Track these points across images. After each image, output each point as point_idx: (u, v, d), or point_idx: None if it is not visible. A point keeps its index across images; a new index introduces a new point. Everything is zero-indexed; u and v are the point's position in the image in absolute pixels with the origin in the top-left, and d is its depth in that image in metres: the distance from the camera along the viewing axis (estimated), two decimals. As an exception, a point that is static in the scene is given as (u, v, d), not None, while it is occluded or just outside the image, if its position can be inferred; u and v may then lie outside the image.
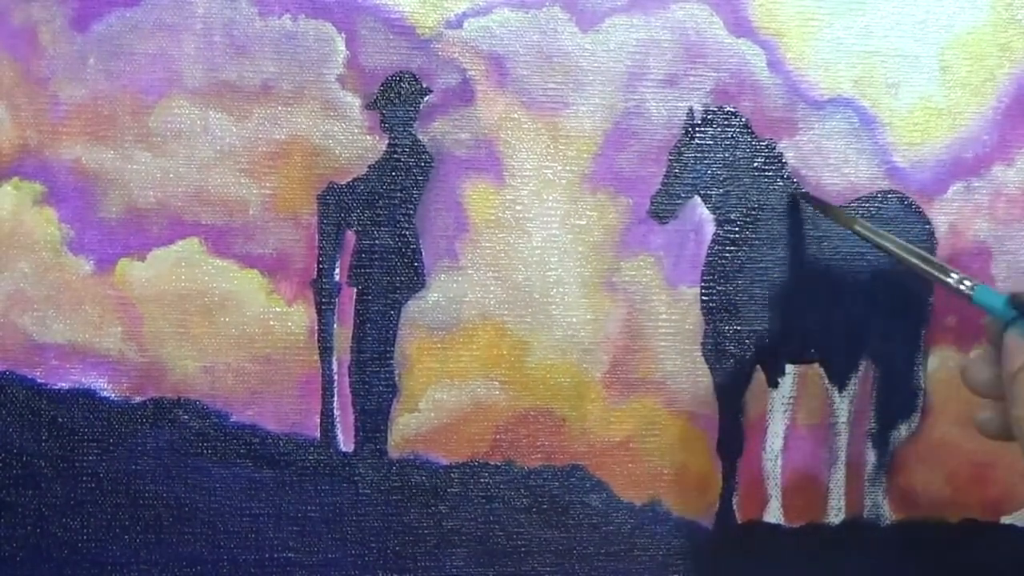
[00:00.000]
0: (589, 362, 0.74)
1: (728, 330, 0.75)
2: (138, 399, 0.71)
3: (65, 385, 0.70)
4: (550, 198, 0.73)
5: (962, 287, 0.63)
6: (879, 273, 0.76)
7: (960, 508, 0.77)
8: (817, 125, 0.75)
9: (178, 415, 0.71)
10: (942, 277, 0.64)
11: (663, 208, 0.74)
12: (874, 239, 0.70)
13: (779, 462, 0.76)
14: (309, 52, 0.71)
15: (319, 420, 0.72)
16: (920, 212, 0.76)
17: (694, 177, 0.75)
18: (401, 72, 0.72)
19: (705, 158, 0.75)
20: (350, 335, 0.73)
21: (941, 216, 0.76)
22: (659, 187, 0.74)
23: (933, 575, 0.77)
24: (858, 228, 0.71)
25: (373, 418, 0.73)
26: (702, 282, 0.75)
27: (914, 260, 0.67)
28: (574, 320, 0.74)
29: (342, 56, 0.71)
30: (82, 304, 0.70)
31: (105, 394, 0.70)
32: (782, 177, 0.75)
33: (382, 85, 0.72)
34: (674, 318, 0.75)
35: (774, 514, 0.76)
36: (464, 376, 0.73)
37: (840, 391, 0.77)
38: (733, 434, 0.76)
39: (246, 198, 0.71)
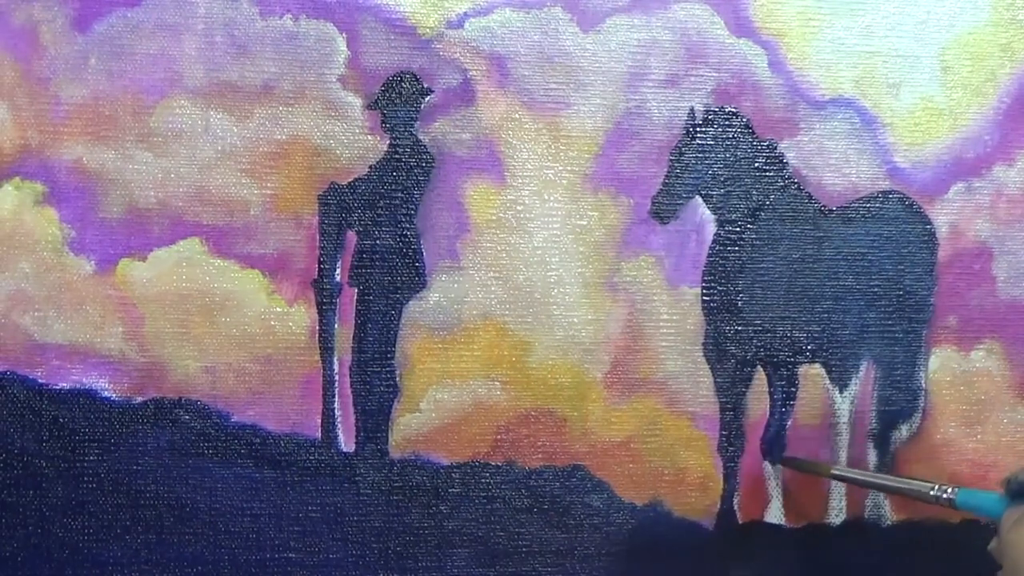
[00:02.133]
0: (590, 362, 0.74)
1: (729, 330, 0.75)
2: (139, 399, 0.71)
3: (66, 385, 0.70)
4: (551, 198, 0.73)
5: (944, 496, 0.65)
6: (879, 273, 0.76)
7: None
8: (818, 125, 0.75)
9: (179, 415, 0.71)
10: (923, 492, 0.66)
11: (664, 208, 0.74)
12: (851, 478, 0.74)
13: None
14: (310, 52, 0.71)
15: (320, 420, 0.72)
16: (921, 212, 0.76)
17: (695, 177, 0.75)
18: (402, 72, 0.72)
19: (706, 158, 0.75)
20: (351, 335, 0.73)
21: (942, 216, 0.76)
22: (660, 187, 0.74)
23: (933, 575, 0.77)
24: (835, 473, 0.74)
25: (374, 418, 0.73)
26: (703, 282, 0.75)
27: (892, 485, 0.71)
28: (575, 320, 0.74)
29: (343, 56, 0.71)
30: (83, 304, 0.70)
31: (106, 394, 0.70)
32: (783, 177, 0.75)
33: (383, 85, 0.72)
34: (675, 318, 0.75)
35: (775, 515, 0.76)
36: (465, 376, 0.73)
37: (841, 391, 0.77)
38: (734, 434, 0.76)
39: (247, 198, 0.71)
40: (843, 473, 0.74)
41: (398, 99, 0.72)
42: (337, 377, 0.72)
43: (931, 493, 0.66)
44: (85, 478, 0.70)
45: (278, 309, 0.72)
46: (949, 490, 0.65)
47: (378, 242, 0.72)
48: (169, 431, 0.71)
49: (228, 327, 0.71)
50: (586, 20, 0.73)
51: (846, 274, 0.76)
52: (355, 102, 0.72)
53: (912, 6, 0.75)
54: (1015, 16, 0.76)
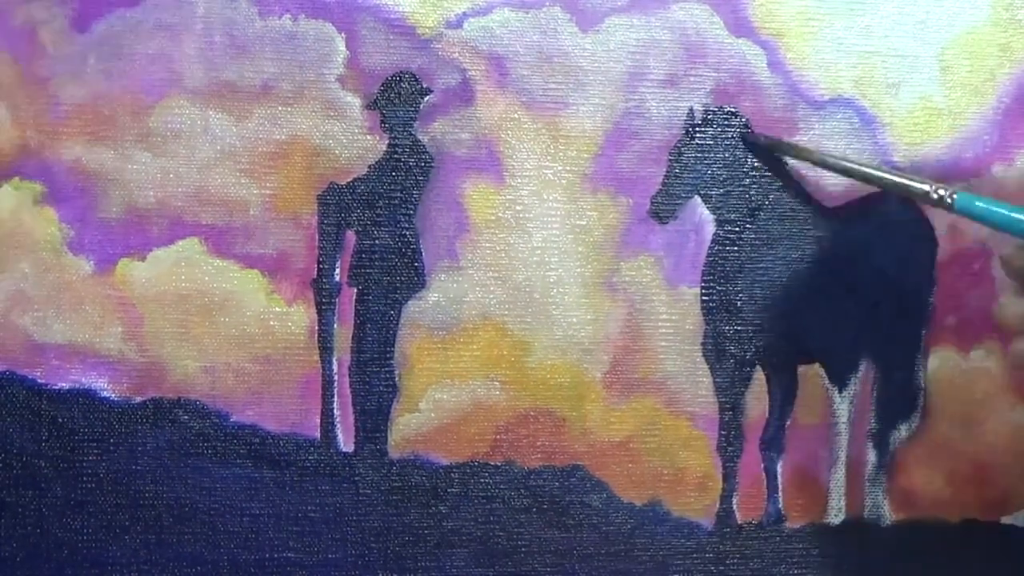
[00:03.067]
0: (589, 362, 0.74)
1: (728, 330, 0.75)
2: (138, 399, 0.71)
3: (65, 385, 0.70)
4: (550, 198, 0.73)
5: (941, 195, 0.61)
6: (879, 273, 0.76)
7: (960, 508, 0.77)
8: (817, 125, 0.75)
9: (178, 415, 0.71)
10: (918, 190, 0.62)
11: (663, 208, 0.74)
12: (824, 160, 0.71)
13: (780, 462, 0.76)
14: (309, 52, 0.71)
15: (319, 420, 0.72)
16: (921, 212, 0.76)
17: (694, 177, 0.75)
18: (401, 72, 0.72)
19: (705, 158, 0.75)
20: (350, 335, 0.73)
21: (942, 216, 0.76)
22: (659, 187, 0.74)
23: (933, 575, 0.77)
24: (803, 147, 0.71)
25: (373, 418, 0.73)
26: (702, 282, 0.75)
27: (877, 175, 0.68)
28: (574, 320, 0.74)
29: (342, 56, 0.71)
30: (82, 304, 0.70)
31: (105, 394, 0.70)
32: (783, 177, 0.75)
33: (382, 85, 0.72)
34: (674, 318, 0.75)
35: (775, 514, 0.76)
36: (464, 376, 0.73)
37: (840, 391, 0.77)
38: (733, 434, 0.76)
39: (246, 198, 0.71)
40: (822, 158, 0.71)
41: (397, 99, 0.72)
42: (336, 377, 0.73)
43: (928, 192, 0.63)
44: (84, 478, 0.70)
45: (277, 309, 0.72)
46: (944, 191, 0.62)
47: (377, 242, 0.73)
48: (168, 431, 0.71)
49: (227, 327, 0.71)
50: (585, 20, 0.73)
51: (846, 274, 0.76)
52: (354, 102, 0.72)
53: (912, 6, 0.75)
54: (1014, 16, 0.76)
